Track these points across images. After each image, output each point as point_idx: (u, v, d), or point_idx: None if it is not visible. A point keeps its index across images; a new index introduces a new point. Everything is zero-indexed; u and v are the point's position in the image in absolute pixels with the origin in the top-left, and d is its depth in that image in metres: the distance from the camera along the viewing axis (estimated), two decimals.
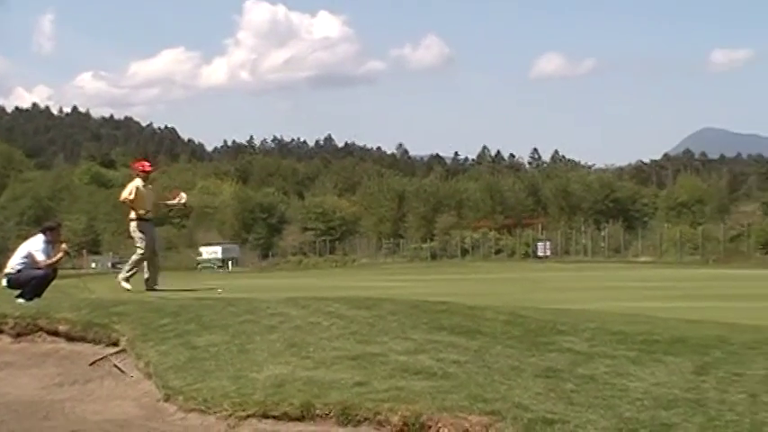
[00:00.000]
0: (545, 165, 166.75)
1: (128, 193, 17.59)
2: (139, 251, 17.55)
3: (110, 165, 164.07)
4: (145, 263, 17.63)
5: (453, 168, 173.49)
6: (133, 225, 17.71)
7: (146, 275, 17.55)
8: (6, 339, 11.60)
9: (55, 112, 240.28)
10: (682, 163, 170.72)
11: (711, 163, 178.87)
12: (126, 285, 17.26)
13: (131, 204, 17.45)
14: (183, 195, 19.08)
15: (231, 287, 18.87)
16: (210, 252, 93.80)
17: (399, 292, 16.86)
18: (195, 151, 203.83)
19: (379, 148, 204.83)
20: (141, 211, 17.44)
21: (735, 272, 35.98)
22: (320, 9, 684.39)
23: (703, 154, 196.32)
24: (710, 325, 9.64)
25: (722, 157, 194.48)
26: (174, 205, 19.08)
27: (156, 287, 17.39)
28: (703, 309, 13.13)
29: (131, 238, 17.97)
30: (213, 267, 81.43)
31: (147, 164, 18.24)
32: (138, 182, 17.58)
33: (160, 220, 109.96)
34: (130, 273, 17.65)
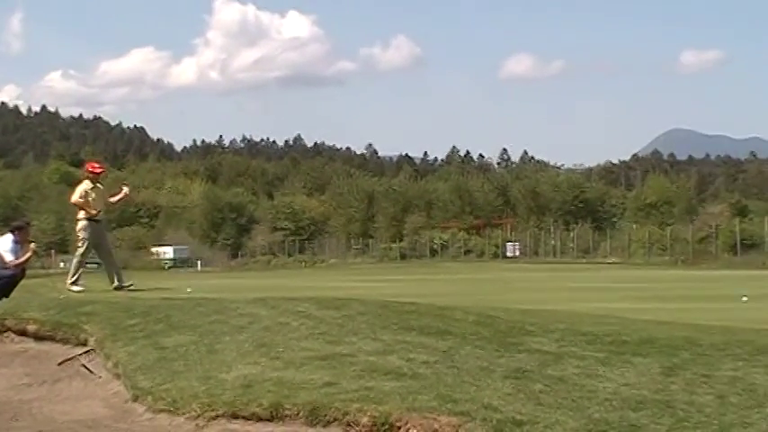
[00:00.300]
0: (514, 165, 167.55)
1: (77, 195, 17.59)
2: (79, 251, 17.61)
3: (79, 164, 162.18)
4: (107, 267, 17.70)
5: (422, 169, 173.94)
6: (80, 225, 17.62)
7: (114, 283, 17.43)
8: None
9: (24, 111, 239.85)
10: (650, 164, 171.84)
11: (680, 164, 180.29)
12: (75, 288, 17.12)
13: (81, 206, 17.42)
14: (125, 189, 18.99)
15: (200, 287, 18.78)
16: (162, 252, 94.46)
17: (369, 293, 16.85)
18: (164, 151, 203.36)
19: (348, 149, 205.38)
20: (93, 212, 17.39)
21: (703, 273, 36.22)
22: (290, 9, 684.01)
23: (672, 155, 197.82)
24: (679, 326, 9.67)
25: (690, 158, 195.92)
26: (119, 201, 18.95)
27: (124, 285, 17.33)
28: (672, 310, 13.19)
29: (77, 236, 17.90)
30: (182, 267, 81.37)
31: (96, 166, 18.20)
32: (87, 184, 17.57)
33: (128, 221, 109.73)
34: (75, 275, 17.53)
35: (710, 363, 7.13)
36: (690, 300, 16.65)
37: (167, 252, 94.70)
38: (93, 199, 17.45)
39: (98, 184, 17.77)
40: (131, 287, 17.29)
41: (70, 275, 17.63)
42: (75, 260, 17.87)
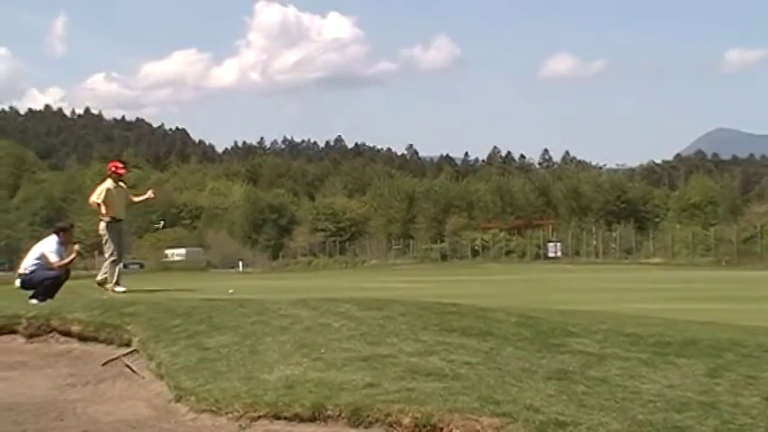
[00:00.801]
0: (555, 165, 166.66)
1: (96, 196, 17.72)
2: (108, 252, 17.71)
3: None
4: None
5: (463, 169, 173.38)
6: (102, 226, 17.82)
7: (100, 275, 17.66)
8: (20, 340, 11.64)
9: (67, 113, 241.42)
10: (694, 164, 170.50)
11: (724, 164, 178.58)
12: (119, 289, 17.35)
13: (97, 209, 17.61)
14: (150, 192, 19.29)
15: (242, 288, 18.86)
16: (176, 254, 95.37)
17: (409, 294, 16.86)
18: (206, 152, 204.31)
19: (388, 149, 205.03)
20: (105, 217, 17.56)
21: (748, 273, 35.93)
22: (331, 10, 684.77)
23: (715, 155, 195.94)
24: (723, 327, 9.61)
25: (735, 157, 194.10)
26: (142, 201, 19.15)
27: (108, 287, 17.42)
28: (716, 311, 13.10)
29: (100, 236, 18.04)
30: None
31: (120, 165, 18.28)
32: (109, 183, 17.71)
33: (171, 222, 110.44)
34: (114, 277, 17.72)
35: (756, 364, 7.08)
36: (734, 300, 16.53)
37: (181, 254, 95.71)
38: (115, 198, 17.61)
39: (120, 184, 17.90)
40: (114, 291, 17.21)
41: (109, 278, 17.75)
42: (106, 262, 17.96)
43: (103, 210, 17.48)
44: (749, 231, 67.69)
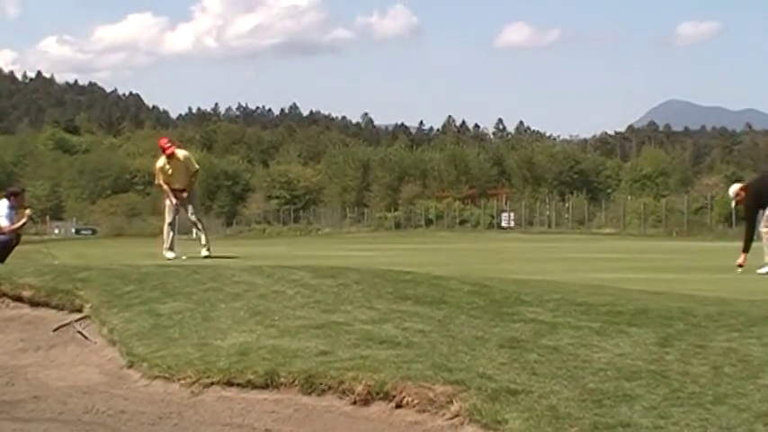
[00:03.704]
0: (510, 135, 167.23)
1: (157, 179, 18.56)
2: (167, 219, 18.22)
3: (74, 131, 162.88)
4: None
5: (418, 138, 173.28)
6: (165, 197, 18.40)
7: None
8: None
9: (19, 77, 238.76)
10: (646, 135, 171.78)
11: (675, 135, 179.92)
12: (169, 255, 17.63)
13: (161, 190, 18.39)
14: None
15: (196, 254, 18.77)
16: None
17: (364, 262, 16.86)
18: (160, 118, 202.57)
19: (344, 118, 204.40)
20: (172, 186, 18.02)
21: (698, 244, 36.25)
22: None
23: (667, 126, 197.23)
24: (674, 297, 9.68)
25: (686, 129, 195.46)
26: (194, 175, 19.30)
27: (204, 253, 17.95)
28: (667, 280, 13.21)
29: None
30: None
31: (166, 144, 18.34)
32: (162, 160, 18.12)
33: (123, 188, 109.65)
34: (167, 242, 18.11)
35: (705, 334, 7.14)
36: (684, 271, 16.67)
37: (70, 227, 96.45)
38: (171, 172, 18.04)
39: (178, 155, 18.22)
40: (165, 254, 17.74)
41: (165, 242, 18.17)
42: (165, 227, 18.38)
43: (165, 187, 18.05)
44: (699, 203, 68.35)
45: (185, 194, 18.23)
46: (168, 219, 18.18)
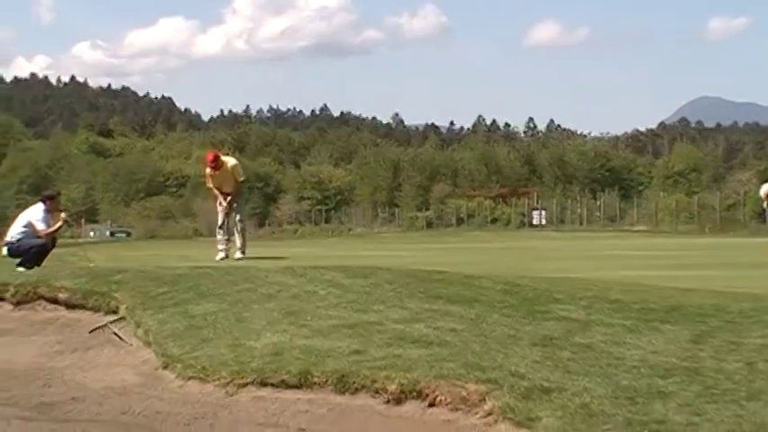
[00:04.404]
0: (540, 134, 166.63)
1: (207, 181, 19.72)
2: (218, 222, 19.18)
3: (107, 134, 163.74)
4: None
5: (449, 138, 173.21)
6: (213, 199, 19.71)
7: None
8: (7, 307, 11.62)
9: (53, 81, 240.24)
10: (678, 131, 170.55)
11: (707, 131, 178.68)
12: (218, 257, 18.50)
13: (213, 189, 19.29)
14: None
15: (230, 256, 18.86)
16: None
17: (395, 262, 16.87)
18: (192, 120, 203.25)
19: (374, 118, 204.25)
20: (221, 190, 18.98)
21: (731, 240, 36.04)
22: None
23: (699, 122, 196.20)
24: (707, 293, 9.64)
25: (718, 125, 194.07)
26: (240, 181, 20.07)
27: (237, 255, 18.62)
28: (699, 277, 13.13)
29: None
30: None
31: (210, 163, 19.08)
32: (208, 171, 19.13)
33: (156, 190, 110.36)
34: (218, 243, 19.09)
35: (739, 330, 7.11)
36: (717, 267, 16.59)
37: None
38: (216, 179, 19.01)
39: (218, 169, 18.98)
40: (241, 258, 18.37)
41: (218, 244, 19.20)
42: (217, 230, 19.43)
43: (216, 192, 19.09)
44: (732, 199, 67.91)
45: (232, 198, 19.01)
46: (219, 221, 19.08)
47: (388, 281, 10.08)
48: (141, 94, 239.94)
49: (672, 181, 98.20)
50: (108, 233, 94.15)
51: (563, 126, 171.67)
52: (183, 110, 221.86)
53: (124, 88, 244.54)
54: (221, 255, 18.41)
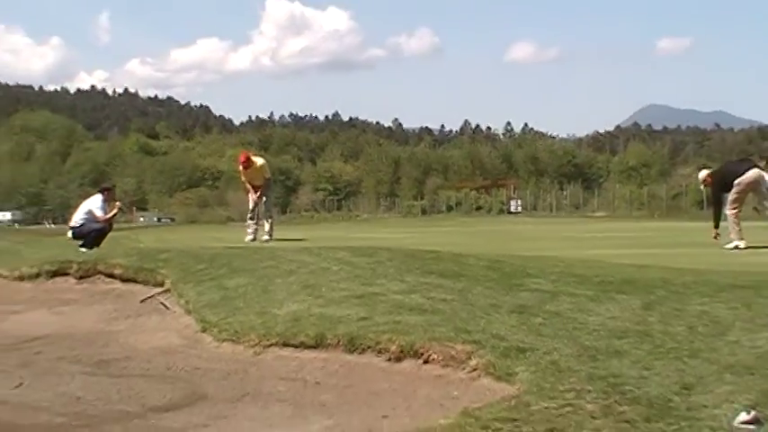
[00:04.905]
0: (517, 135, 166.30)
1: (241, 176, 19.65)
2: (249, 211, 19.22)
3: (155, 137, 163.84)
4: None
5: (440, 138, 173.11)
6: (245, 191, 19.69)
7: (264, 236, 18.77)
8: (72, 281, 11.64)
9: (109, 92, 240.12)
10: (631, 133, 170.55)
11: (656, 133, 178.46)
12: (247, 238, 18.47)
13: (245, 183, 19.30)
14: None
15: (257, 238, 18.84)
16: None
17: (395, 243, 16.86)
18: (225, 125, 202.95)
19: (377, 122, 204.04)
20: (252, 184, 19.08)
21: (675, 224, 35.98)
22: (330, 5, 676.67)
23: (649, 126, 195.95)
24: (655, 269, 9.63)
25: (665, 128, 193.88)
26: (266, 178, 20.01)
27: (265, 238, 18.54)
28: (650, 255, 13.13)
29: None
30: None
31: (243, 163, 19.25)
32: (242, 170, 19.20)
33: (196, 183, 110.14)
34: (248, 227, 19.08)
35: (682, 299, 7.10)
36: (664, 246, 16.57)
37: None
38: (248, 176, 19.11)
39: (255, 162, 19.20)
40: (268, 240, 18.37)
41: (247, 228, 19.13)
42: (248, 216, 19.43)
43: (247, 185, 19.17)
44: (676, 190, 68.01)
45: (261, 191, 18.99)
46: (250, 209, 19.07)
47: (389, 258, 10.07)
48: (183, 102, 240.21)
49: (626, 175, 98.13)
50: (155, 219, 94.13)
51: (536, 129, 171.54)
52: (217, 116, 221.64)
53: (168, 98, 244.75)
54: (250, 237, 18.41)
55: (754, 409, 4.13)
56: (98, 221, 15.70)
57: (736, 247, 14.18)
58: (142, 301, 9.98)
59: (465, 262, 9.91)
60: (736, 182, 14.62)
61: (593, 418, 4.25)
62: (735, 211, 14.62)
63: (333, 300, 7.71)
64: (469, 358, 5.67)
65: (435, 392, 5.52)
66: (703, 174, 15.73)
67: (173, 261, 11.15)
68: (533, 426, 4.18)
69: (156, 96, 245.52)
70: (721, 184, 15.04)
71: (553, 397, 4.59)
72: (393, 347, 6.18)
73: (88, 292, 11.09)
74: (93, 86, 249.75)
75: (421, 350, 6.03)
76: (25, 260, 12.76)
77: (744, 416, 4.07)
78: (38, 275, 11.88)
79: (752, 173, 14.63)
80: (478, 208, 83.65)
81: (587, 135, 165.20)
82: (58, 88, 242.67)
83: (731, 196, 14.73)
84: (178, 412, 5.60)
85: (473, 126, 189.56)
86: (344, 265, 9.68)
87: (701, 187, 17.24)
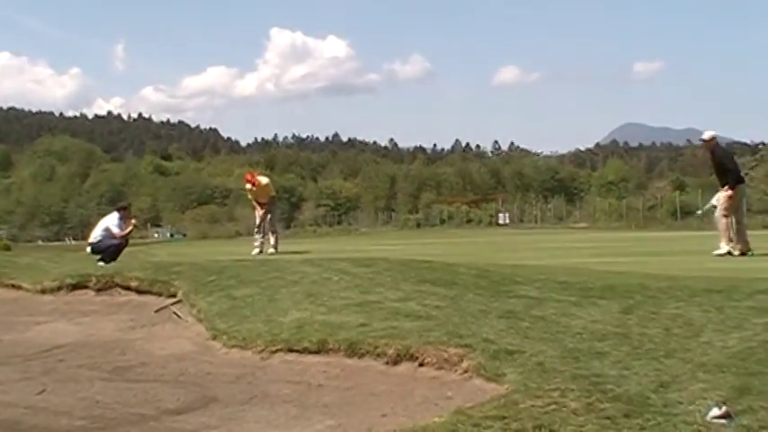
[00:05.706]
0: (504, 153, 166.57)
1: (248, 194, 19.56)
2: (255, 226, 19.09)
3: (168, 158, 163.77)
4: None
5: (433, 157, 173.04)
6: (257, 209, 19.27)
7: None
8: (91, 293, 11.60)
9: (125, 117, 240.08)
10: (610, 150, 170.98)
11: (633, 150, 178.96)
12: (254, 252, 18.26)
13: (252, 200, 19.28)
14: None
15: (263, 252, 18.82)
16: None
17: (392, 254, 16.85)
18: (233, 146, 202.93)
19: (375, 142, 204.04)
20: (258, 201, 18.96)
21: (651, 234, 36.01)
22: (329, 34, 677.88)
23: (626, 143, 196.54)
24: (633, 275, 9.63)
25: (641, 145, 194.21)
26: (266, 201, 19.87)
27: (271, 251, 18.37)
28: (628, 262, 13.13)
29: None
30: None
31: (249, 180, 19.16)
32: (249, 187, 19.07)
33: (206, 200, 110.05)
34: (255, 241, 18.94)
35: (658, 303, 7.11)
36: (641, 255, 16.57)
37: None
38: (254, 193, 19.00)
39: (260, 180, 19.15)
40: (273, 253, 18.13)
41: (254, 242, 19.06)
42: (254, 231, 19.38)
43: (254, 203, 19.11)
44: (652, 201, 68.06)
45: (266, 207, 18.89)
46: (256, 224, 18.96)
47: (386, 269, 10.06)
48: (193, 126, 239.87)
49: (606, 188, 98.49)
50: (168, 235, 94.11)
51: (522, 147, 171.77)
52: (225, 138, 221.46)
53: (180, 122, 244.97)
54: (256, 250, 18.35)
55: (725, 404, 4.15)
56: (115, 237, 15.67)
57: (729, 253, 13.64)
58: (156, 311, 9.96)
59: (457, 271, 9.91)
60: (731, 189, 14.00)
61: (576, 414, 4.25)
62: (725, 218, 13.94)
63: (334, 308, 7.70)
64: (462, 361, 5.67)
65: (430, 393, 5.51)
66: (711, 133, 14.56)
67: (185, 273, 11.13)
68: (521, 423, 4.18)
69: (168, 120, 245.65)
70: (727, 157, 14.50)
71: (539, 396, 4.59)
72: (390, 351, 6.17)
73: (106, 303, 11.06)
74: (109, 112, 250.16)
75: (416, 354, 6.03)
76: (47, 274, 12.73)
77: (716, 411, 4.09)
78: (59, 288, 11.84)
79: (744, 185, 14.67)
80: (469, 221, 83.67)
81: (569, 152, 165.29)
82: (78, 114, 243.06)
83: (724, 203, 14.01)
84: (191, 414, 5.59)
85: (463, 145, 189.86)
86: (345, 275, 9.67)
87: (698, 143, 15.97)
